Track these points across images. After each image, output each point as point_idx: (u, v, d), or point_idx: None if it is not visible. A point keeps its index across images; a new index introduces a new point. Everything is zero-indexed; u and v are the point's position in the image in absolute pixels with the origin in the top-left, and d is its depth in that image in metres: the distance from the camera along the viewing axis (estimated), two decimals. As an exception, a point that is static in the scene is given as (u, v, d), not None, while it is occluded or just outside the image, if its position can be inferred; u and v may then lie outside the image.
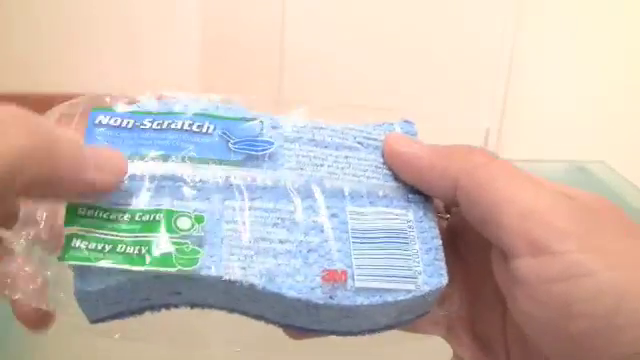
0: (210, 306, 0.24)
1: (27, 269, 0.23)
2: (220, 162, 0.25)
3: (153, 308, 0.23)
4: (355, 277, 0.24)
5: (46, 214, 0.24)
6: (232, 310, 0.24)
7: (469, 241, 0.27)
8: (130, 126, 0.25)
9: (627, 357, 0.19)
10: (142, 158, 0.25)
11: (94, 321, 0.23)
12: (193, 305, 0.24)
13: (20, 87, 2.59)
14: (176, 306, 0.24)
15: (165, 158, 0.25)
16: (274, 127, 0.27)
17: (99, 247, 0.22)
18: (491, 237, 0.23)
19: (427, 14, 2.06)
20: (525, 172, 0.24)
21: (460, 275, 0.27)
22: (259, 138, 0.27)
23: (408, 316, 0.25)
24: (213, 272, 0.22)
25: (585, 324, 0.20)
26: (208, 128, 0.26)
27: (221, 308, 0.24)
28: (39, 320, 0.23)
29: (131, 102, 0.27)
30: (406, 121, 0.29)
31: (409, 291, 0.24)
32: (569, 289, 0.20)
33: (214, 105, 0.27)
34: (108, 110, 0.26)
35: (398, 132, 0.29)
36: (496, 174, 0.23)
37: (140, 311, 0.24)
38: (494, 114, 1.98)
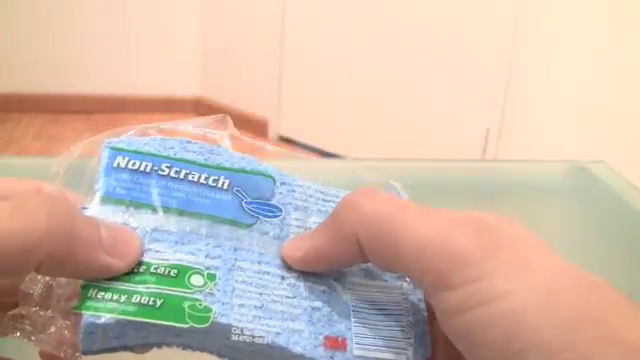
0: (204, 350, 0.25)
1: (43, 314, 0.23)
2: (232, 222, 0.26)
3: (146, 345, 0.24)
4: (354, 346, 0.25)
5: None
6: (226, 357, 0.25)
7: None
8: (148, 170, 0.26)
9: None
10: (158, 210, 0.25)
11: (86, 353, 0.24)
12: (187, 348, 0.24)
13: (20, 87, 2.59)
14: (169, 346, 0.24)
15: (181, 212, 0.26)
16: (284, 187, 0.28)
17: (114, 297, 0.23)
18: (405, 276, 0.24)
19: (427, 15, 2.06)
20: (414, 203, 0.24)
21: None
22: (270, 200, 0.27)
23: None
24: (223, 328, 0.23)
25: (486, 353, 0.20)
26: (223, 184, 0.27)
27: (213, 353, 0.25)
28: None
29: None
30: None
31: None
32: (470, 320, 0.20)
33: (228, 153, 0.28)
34: (126, 150, 0.26)
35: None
36: (390, 212, 0.23)
37: (132, 348, 0.24)
38: (494, 114, 1.99)
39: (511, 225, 0.23)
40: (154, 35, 2.61)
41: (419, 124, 2.11)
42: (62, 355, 0.23)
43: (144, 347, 0.24)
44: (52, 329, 0.23)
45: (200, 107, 2.64)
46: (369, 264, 0.26)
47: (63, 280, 0.24)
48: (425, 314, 0.27)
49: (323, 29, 2.29)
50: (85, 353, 0.24)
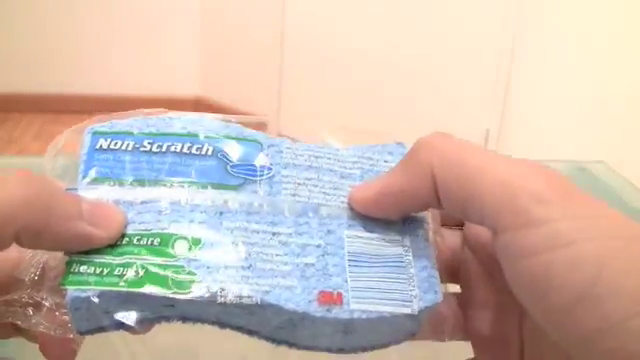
0: (203, 320, 0.24)
1: (35, 296, 0.24)
2: (218, 186, 0.26)
3: (144, 321, 0.24)
4: (350, 300, 0.24)
5: None
6: (225, 325, 0.24)
7: (481, 244, 0.27)
8: (130, 148, 0.26)
9: (610, 327, 0.19)
10: (142, 184, 0.25)
11: (83, 332, 0.24)
12: (185, 319, 0.24)
13: (20, 87, 2.59)
14: (167, 319, 0.24)
15: (164, 183, 0.25)
16: (272, 148, 0.28)
17: (97, 271, 0.23)
18: (476, 218, 0.23)
19: (427, 16, 2.06)
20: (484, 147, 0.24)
21: (481, 279, 0.27)
22: (257, 163, 0.27)
23: (401, 334, 0.26)
24: (208, 294, 0.23)
25: (566, 295, 0.20)
26: (207, 150, 0.26)
27: (214, 323, 0.24)
28: (62, 349, 0.24)
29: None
30: (399, 143, 0.29)
31: (405, 314, 0.25)
32: (550, 260, 0.20)
33: (213, 123, 0.28)
34: (108, 133, 0.26)
35: (393, 154, 0.28)
36: (468, 150, 0.23)
37: (126, 324, 0.24)
38: (494, 114, 1.99)
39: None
40: (154, 35, 2.61)
41: (419, 124, 2.11)
42: (53, 333, 0.23)
43: (140, 323, 0.24)
44: (44, 310, 0.23)
45: (200, 107, 2.63)
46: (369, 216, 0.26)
47: (53, 262, 0.24)
48: (434, 261, 0.26)
49: (323, 29, 2.29)
50: (80, 332, 0.24)
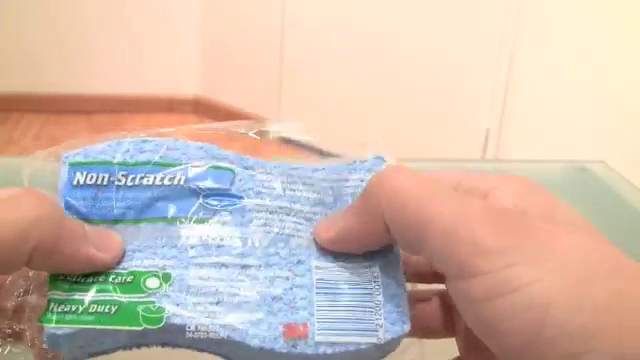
0: (179, 346, 0.25)
1: (15, 327, 0.25)
2: (190, 219, 0.26)
3: (125, 348, 0.25)
4: (316, 331, 0.25)
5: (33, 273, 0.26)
6: (201, 350, 0.25)
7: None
8: (106, 182, 0.27)
9: None
10: (116, 223, 0.26)
11: None
12: (164, 345, 0.25)
13: (20, 87, 2.59)
14: (147, 345, 0.25)
15: (138, 220, 0.26)
16: (246, 173, 0.28)
17: (73, 309, 0.24)
18: (427, 260, 0.23)
19: (427, 15, 2.06)
20: (442, 185, 0.24)
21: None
22: (230, 189, 0.27)
23: None
24: (177, 328, 0.24)
25: (516, 338, 0.20)
26: (179, 180, 0.27)
27: (190, 348, 0.25)
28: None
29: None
30: (377, 157, 0.29)
31: (370, 343, 0.25)
32: (495, 308, 0.20)
33: (187, 147, 0.28)
34: (83, 164, 0.27)
35: (371, 172, 0.28)
36: (415, 195, 0.23)
37: (112, 350, 0.25)
38: (494, 114, 1.99)
39: (548, 195, 0.23)
40: (154, 35, 2.61)
41: (419, 124, 2.11)
42: None
43: (122, 349, 0.25)
44: (24, 340, 0.25)
45: (200, 107, 2.63)
46: None
47: (34, 297, 0.25)
48: (403, 290, 0.26)
49: (323, 29, 2.29)
50: None
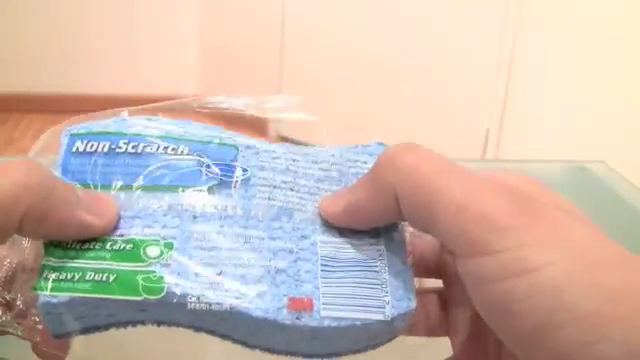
0: (177, 324, 0.24)
1: (8, 298, 0.24)
2: (193, 188, 0.26)
3: (119, 325, 0.24)
4: (321, 305, 0.24)
5: (30, 244, 0.25)
6: (199, 329, 0.24)
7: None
8: (106, 150, 0.26)
9: (571, 353, 0.19)
10: (116, 188, 0.25)
11: (58, 336, 0.24)
12: (160, 323, 0.24)
13: (20, 87, 2.59)
14: (142, 323, 0.24)
15: (139, 187, 0.25)
16: (249, 150, 0.27)
17: (69, 277, 0.23)
18: (439, 239, 0.23)
19: (427, 15, 2.06)
20: (454, 164, 0.23)
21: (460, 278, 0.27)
22: (234, 163, 0.27)
23: (376, 340, 0.26)
24: (179, 298, 0.23)
25: (528, 322, 0.19)
26: (182, 151, 0.26)
27: (188, 327, 0.24)
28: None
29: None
30: (379, 143, 0.29)
31: (377, 319, 0.24)
32: (508, 288, 0.20)
33: (192, 125, 0.28)
34: (84, 134, 0.26)
35: (373, 155, 0.28)
36: (428, 171, 0.22)
37: (105, 327, 0.24)
38: (494, 114, 1.99)
39: (548, 193, 0.22)
40: (154, 35, 2.61)
41: (419, 124, 2.11)
42: (20, 334, 0.24)
43: (115, 326, 0.24)
44: (15, 310, 0.24)
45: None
46: None
47: (27, 264, 0.24)
48: (409, 267, 0.26)
49: (323, 29, 2.29)
50: (54, 336, 0.24)
